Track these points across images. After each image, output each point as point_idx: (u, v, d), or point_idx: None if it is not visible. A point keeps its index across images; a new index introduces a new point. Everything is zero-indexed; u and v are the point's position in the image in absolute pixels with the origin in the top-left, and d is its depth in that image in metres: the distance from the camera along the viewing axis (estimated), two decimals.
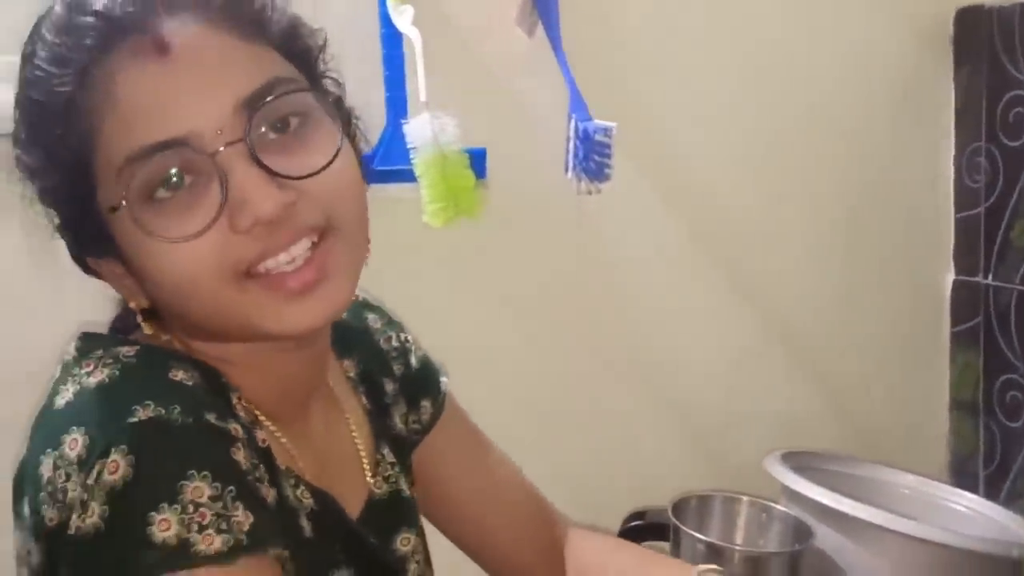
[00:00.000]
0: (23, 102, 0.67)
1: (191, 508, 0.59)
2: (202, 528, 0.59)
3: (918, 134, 1.51)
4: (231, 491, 0.61)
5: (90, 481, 0.59)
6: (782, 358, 1.48)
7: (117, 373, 0.64)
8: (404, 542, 0.82)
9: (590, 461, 1.31)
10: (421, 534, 0.85)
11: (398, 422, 0.88)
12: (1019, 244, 1.40)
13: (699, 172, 1.42)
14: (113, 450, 0.59)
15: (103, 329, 0.75)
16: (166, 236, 0.63)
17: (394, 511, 0.82)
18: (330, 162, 0.65)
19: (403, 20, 1.22)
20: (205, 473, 0.60)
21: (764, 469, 1.23)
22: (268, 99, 0.64)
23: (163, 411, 0.61)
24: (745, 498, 1.17)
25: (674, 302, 1.42)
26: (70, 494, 0.60)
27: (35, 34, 0.67)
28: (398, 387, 0.89)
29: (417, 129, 1.23)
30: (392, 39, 1.24)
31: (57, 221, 0.70)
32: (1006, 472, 1.45)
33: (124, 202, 0.63)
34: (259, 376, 0.71)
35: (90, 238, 0.68)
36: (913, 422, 1.54)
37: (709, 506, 1.17)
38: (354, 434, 0.82)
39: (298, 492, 0.71)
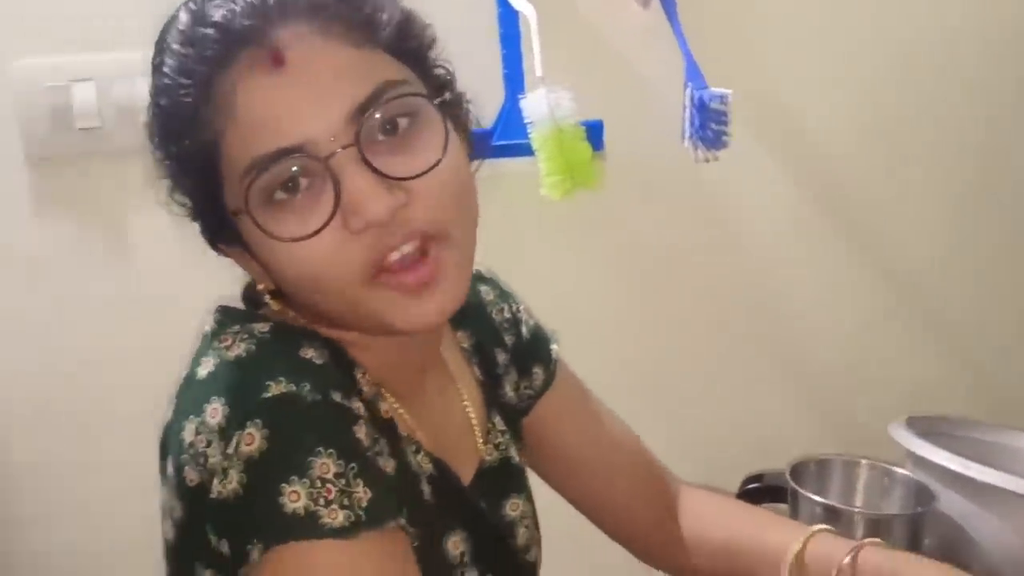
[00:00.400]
0: (154, 107, 0.71)
1: (318, 483, 0.63)
2: (328, 503, 0.63)
3: None
4: (353, 468, 0.65)
5: (230, 450, 0.64)
6: (911, 324, 1.46)
7: (253, 348, 0.69)
8: (513, 507, 0.86)
9: (711, 424, 1.32)
10: (530, 499, 0.89)
11: (509, 391, 0.92)
12: None
13: (820, 136, 1.41)
14: (249, 423, 0.64)
15: (236, 300, 0.81)
16: (283, 237, 0.67)
17: (504, 477, 0.86)
18: (438, 162, 0.68)
19: None
20: (331, 450, 0.64)
21: (889, 435, 1.22)
22: (377, 105, 0.67)
23: (294, 388, 0.65)
24: (864, 461, 1.17)
25: (798, 268, 1.42)
26: (211, 460, 0.65)
27: (161, 43, 0.71)
28: (509, 357, 0.92)
29: (534, 104, 1.26)
30: (508, 17, 1.27)
31: (191, 207, 0.74)
32: None
33: (246, 206, 0.67)
34: (379, 354, 0.76)
35: (219, 229, 0.73)
36: None
37: (828, 469, 1.16)
38: (466, 404, 0.86)
39: (418, 459, 0.76)
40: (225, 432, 0.65)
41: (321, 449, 0.64)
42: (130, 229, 1.24)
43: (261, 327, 0.71)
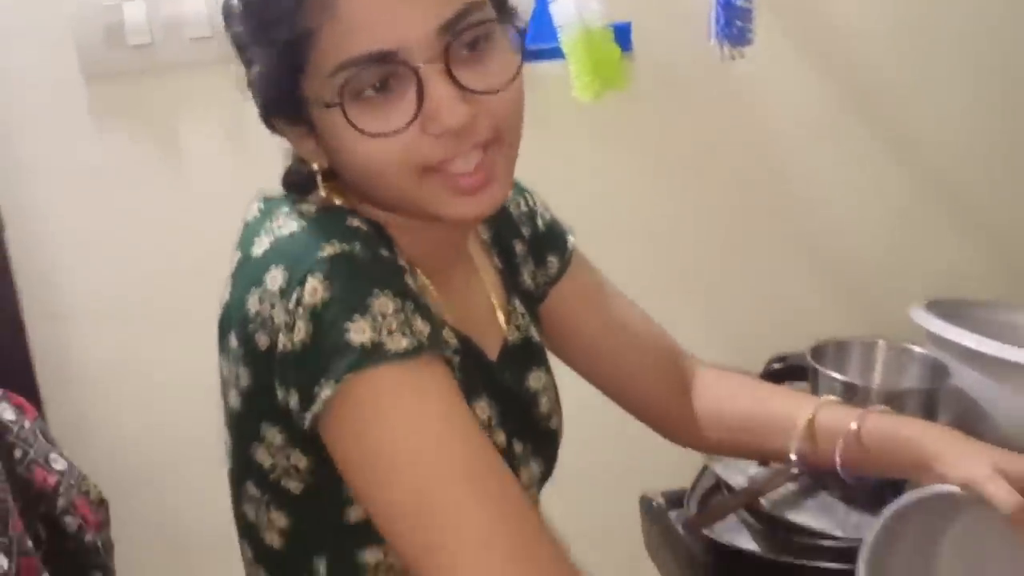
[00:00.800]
0: None
1: (380, 318, 0.70)
2: (390, 333, 0.71)
3: None
4: (410, 305, 0.72)
5: (291, 305, 0.71)
6: (939, 212, 1.51)
7: (305, 223, 0.76)
8: (536, 380, 0.93)
9: (739, 309, 1.38)
10: (550, 373, 0.96)
11: (527, 278, 0.99)
12: None
13: (846, 30, 1.44)
14: (309, 277, 0.71)
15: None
16: (370, 132, 0.73)
17: (526, 353, 0.93)
18: (511, 80, 0.76)
19: None
20: (387, 291, 0.72)
21: (910, 318, 1.28)
22: (463, 23, 0.73)
23: (347, 247, 0.73)
24: (882, 342, 1.22)
25: (823, 159, 1.47)
26: (276, 320, 0.72)
27: None
28: (527, 248, 0.99)
29: (563, 8, 1.31)
30: None
31: (256, 83, 0.79)
32: None
33: (341, 99, 0.73)
34: (417, 237, 0.82)
35: (287, 109, 0.78)
36: None
37: (847, 350, 1.22)
38: (488, 290, 0.93)
39: (444, 332, 0.82)
40: (286, 292, 0.71)
41: (378, 290, 0.71)
42: (180, 139, 1.32)
43: (308, 208, 0.78)
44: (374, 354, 0.70)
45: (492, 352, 0.90)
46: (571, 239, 1.03)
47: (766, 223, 1.46)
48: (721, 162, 1.45)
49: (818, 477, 1.20)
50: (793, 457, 0.98)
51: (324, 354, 0.70)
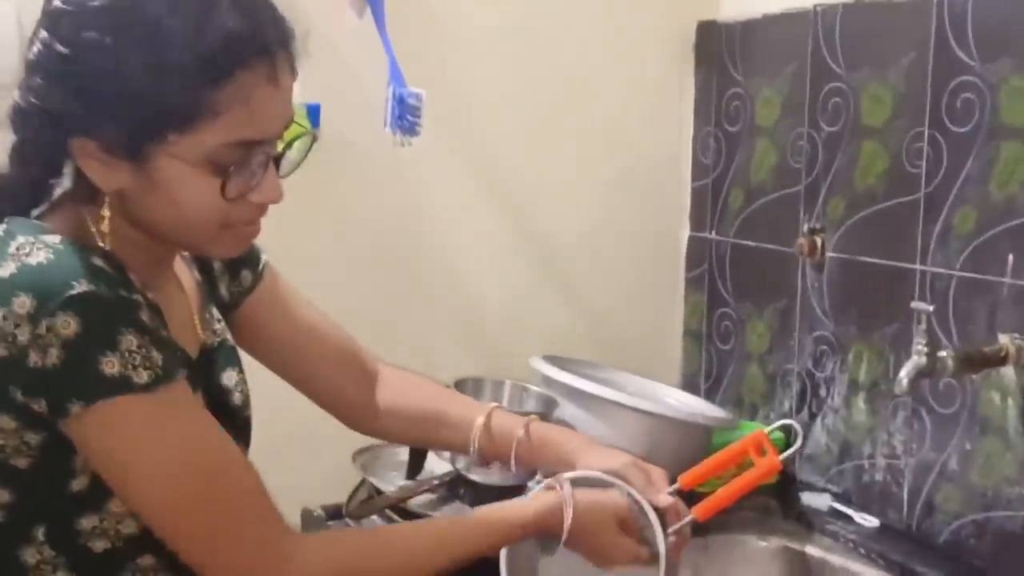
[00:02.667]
0: (160, 40, 0.86)
1: (127, 354, 0.87)
2: (135, 367, 0.87)
3: (667, 118, 1.89)
4: (147, 339, 0.88)
5: (40, 331, 0.85)
6: (553, 288, 1.84)
7: (52, 256, 0.88)
8: (229, 378, 1.09)
9: (396, 354, 1.62)
10: (242, 371, 1.12)
11: (223, 290, 1.16)
12: (734, 207, 1.81)
13: (493, 135, 1.75)
14: (61, 313, 0.85)
15: None
16: (228, 196, 0.91)
17: (220, 355, 1.10)
18: (289, 172, 0.99)
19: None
20: (132, 329, 0.87)
21: (530, 365, 1.60)
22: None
23: (94, 287, 0.86)
24: (508, 381, 1.53)
25: (468, 235, 1.76)
26: (20, 337, 0.85)
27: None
28: (223, 264, 1.16)
29: None
30: None
31: (112, 104, 0.88)
32: (720, 383, 1.87)
33: (238, 162, 0.90)
34: (141, 256, 0.97)
35: (124, 143, 0.89)
36: (655, 345, 1.94)
37: (482, 386, 1.52)
38: (188, 299, 1.08)
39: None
40: (34, 318, 0.85)
41: (124, 328, 0.87)
42: None
43: (52, 239, 0.90)
44: (122, 385, 0.86)
45: (192, 352, 1.05)
46: (264, 256, 1.21)
47: (418, 282, 1.72)
48: (388, 232, 1.70)
49: (453, 487, 1.47)
50: (473, 449, 1.23)
51: (77, 379, 0.86)
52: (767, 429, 1.24)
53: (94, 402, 0.86)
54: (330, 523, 1.47)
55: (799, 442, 1.25)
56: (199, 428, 0.94)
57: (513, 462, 1.24)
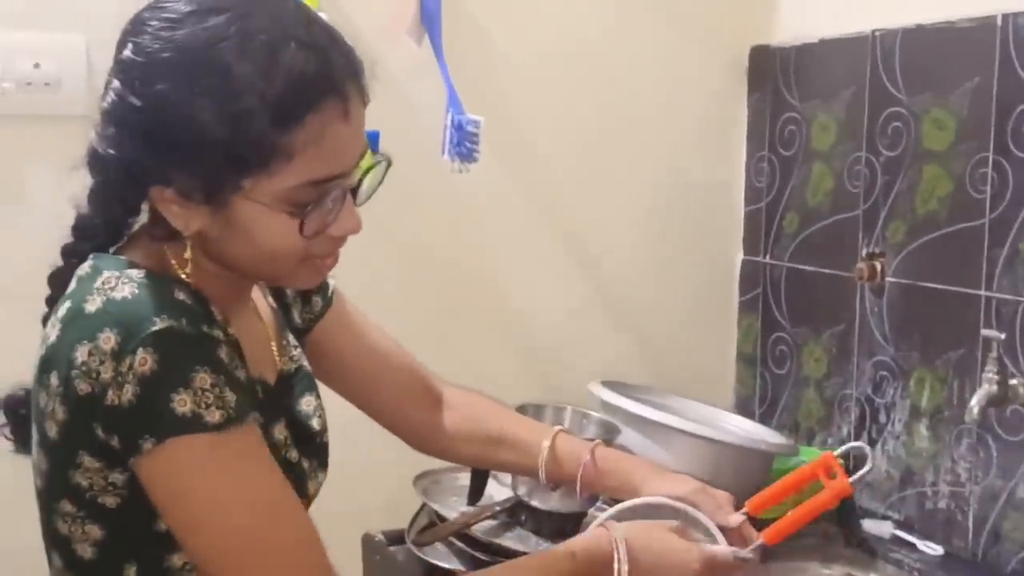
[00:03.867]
0: (233, 89, 0.86)
1: (200, 392, 0.86)
2: (207, 406, 0.86)
3: (719, 143, 1.90)
4: (222, 379, 0.87)
5: (122, 368, 0.84)
6: (607, 313, 1.85)
7: (136, 291, 0.88)
8: (307, 403, 1.10)
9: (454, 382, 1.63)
10: (319, 396, 1.12)
11: (296, 316, 1.17)
12: (788, 231, 1.81)
13: (547, 161, 1.77)
14: (141, 349, 0.85)
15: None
16: (307, 234, 0.91)
17: (298, 380, 1.10)
18: (367, 198, 1.00)
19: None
20: (206, 367, 0.86)
21: (588, 391, 1.60)
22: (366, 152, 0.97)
23: (174, 323, 0.86)
24: (569, 407, 1.52)
25: (523, 262, 1.77)
26: (103, 375, 0.85)
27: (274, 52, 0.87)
28: (295, 291, 1.18)
29: None
30: None
31: (192, 153, 0.88)
32: (775, 407, 1.86)
33: (302, 207, 0.90)
34: (228, 288, 0.99)
35: (203, 191, 0.90)
36: (709, 369, 1.93)
37: (543, 412, 1.51)
38: (265, 326, 1.09)
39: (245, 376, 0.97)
40: (117, 355, 0.85)
41: (199, 367, 0.86)
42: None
43: (137, 273, 0.90)
44: (194, 423, 0.86)
45: (270, 379, 1.05)
46: (332, 282, 1.22)
47: (472, 307, 1.73)
48: (442, 256, 1.71)
49: (513, 514, 1.47)
50: (542, 474, 1.24)
51: (150, 416, 0.86)
52: (836, 452, 1.24)
53: (165, 440, 0.86)
54: (391, 548, 1.47)
55: (870, 464, 1.24)
56: (265, 474, 0.92)
57: (579, 486, 1.24)
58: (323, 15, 1.49)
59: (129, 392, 0.85)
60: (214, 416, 0.87)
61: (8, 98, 1.45)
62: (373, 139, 1.62)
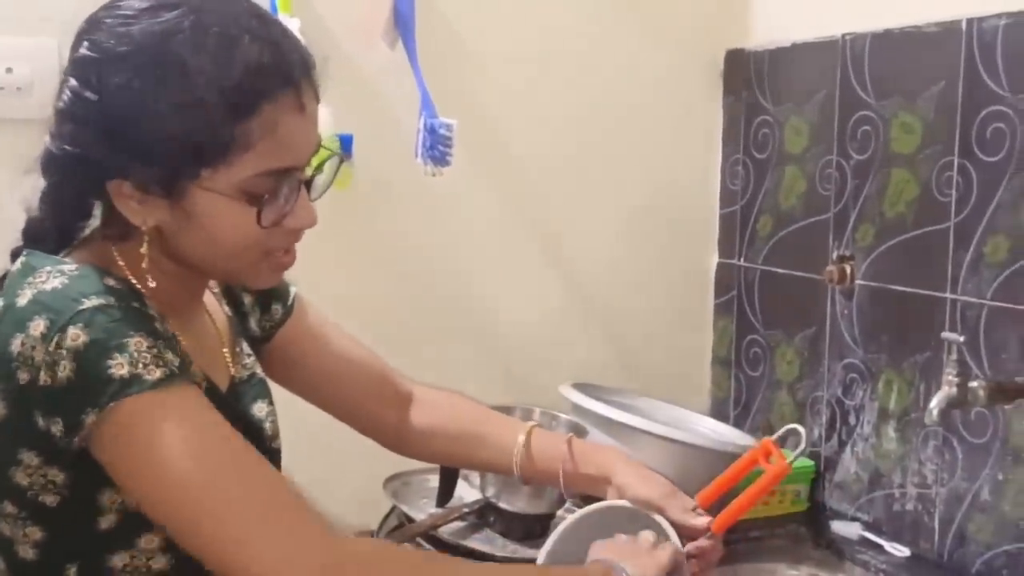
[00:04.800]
0: (189, 82, 0.88)
1: (136, 354, 0.86)
2: (145, 365, 0.86)
3: (694, 146, 1.90)
4: (160, 343, 0.88)
5: (51, 347, 0.85)
6: (582, 316, 1.85)
7: (67, 280, 0.89)
8: (259, 409, 1.10)
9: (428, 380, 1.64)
10: (271, 403, 1.13)
11: (254, 325, 1.18)
12: (762, 234, 1.82)
13: (522, 164, 1.77)
14: (70, 327, 0.85)
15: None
16: (264, 225, 0.92)
17: (251, 387, 1.11)
18: (321, 194, 1.01)
19: (291, 29, 1.54)
20: (141, 332, 0.87)
21: (560, 393, 1.61)
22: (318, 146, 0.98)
23: (103, 301, 0.87)
24: (538, 409, 1.53)
25: (497, 266, 1.77)
26: (36, 359, 0.85)
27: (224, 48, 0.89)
28: (253, 299, 1.18)
29: None
30: None
31: (149, 148, 0.89)
32: (749, 410, 1.86)
33: (275, 191, 0.91)
34: (180, 288, 1.00)
35: (161, 183, 0.91)
36: (685, 372, 1.94)
37: (511, 414, 1.51)
38: (219, 332, 1.09)
39: (193, 369, 0.97)
40: (47, 337, 0.85)
41: (132, 331, 0.87)
42: None
43: (69, 266, 0.91)
44: (133, 384, 0.85)
45: (223, 384, 1.06)
46: (294, 289, 1.22)
47: (446, 310, 1.74)
48: (417, 260, 1.72)
49: (482, 515, 1.48)
50: (517, 470, 1.25)
51: (88, 388, 0.85)
52: (772, 437, 1.27)
53: (106, 406, 0.85)
54: None
55: (803, 443, 1.26)
56: (220, 428, 0.91)
57: (561, 480, 1.25)
58: (296, 20, 1.54)
59: (66, 369, 0.85)
60: (153, 374, 0.86)
61: None
62: (347, 142, 1.64)
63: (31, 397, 0.87)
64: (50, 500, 0.92)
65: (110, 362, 0.85)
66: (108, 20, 0.91)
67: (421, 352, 1.67)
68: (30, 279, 0.90)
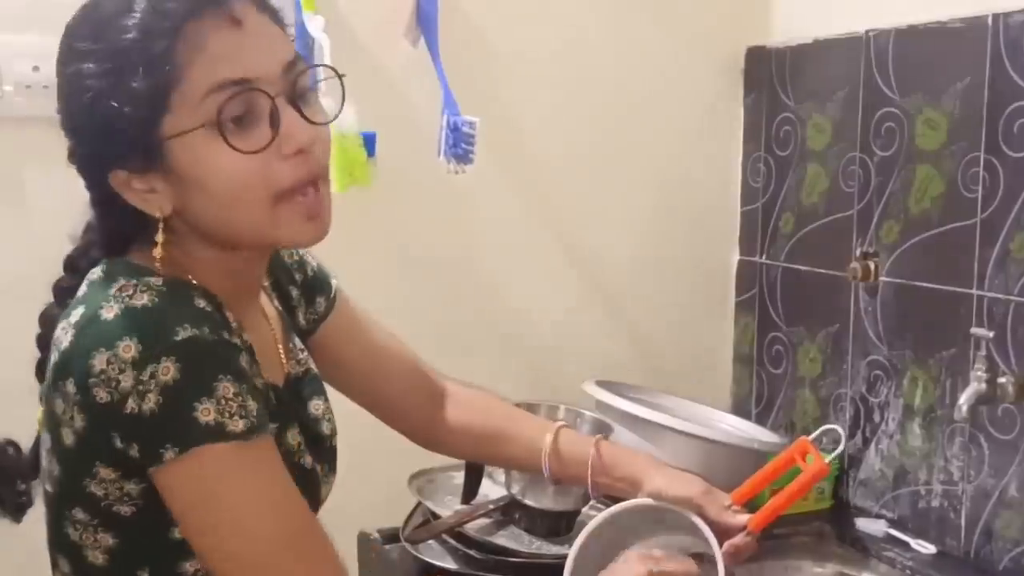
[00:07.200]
0: (109, 44, 0.86)
1: (223, 401, 0.85)
2: (231, 415, 0.85)
3: (715, 144, 1.90)
4: (244, 388, 0.87)
5: (143, 377, 0.83)
6: (603, 313, 1.85)
7: (156, 299, 0.87)
8: (316, 407, 1.10)
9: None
10: (327, 400, 1.13)
11: (301, 318, 1.17)
12: (785, 231, 1.81)
13: (543, 161, 1.77)
14: (164, 358, 0.84)
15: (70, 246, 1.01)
16: (241, 149, 0.86)
17: (306, 384, 1.10)
18: (335, 117, 0.95)
19: (315, 27, 1.55)
20: (229, 376, 0.86)
21: (582, 390, 1.61)
22: (300, 67, 0.91)
23: (197, 332, 0.85)
24: (562, 406, 1.53)
25: (520, 263, 1.77)
26: (123, 383, 0.84)
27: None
28: (300, 292, 1.17)
29: None
30: (304, 42, 1.56)
31: (104, 137, 0.88)
32: (772, 407, 1.86)
33: (218, 117, 0.86)
34: (235, 286, 0.97)
35: (141, 153, 0.88)
36: (706, 369, 1.94)
37: (536, 411, 1.51)
38: (273, 330, 1.08)
39: (261, 383, 0.96)
40: (139, 364, 0.84)
41: (222, 376, 0.86)
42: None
43: (155, 280, 0.89)
44: (218, 432, 0.85)
45: (279, 383, 1.04)
46: (335, 282, 1.22)
47: (468, 307, 1.74)
48: (439, 256, 1.72)
49: (507, 512, 1.48)
50: (546, 469, 1.24)
51: (173, 426, 0.85)
52: (810, 437, 1.25)
53: (189, 449, 0.85)
54: (386, 546, 1.48)
55: (843, 444, 1.25)
56: (285, 484, 0.92)
57: (589, 481, 1.24)
58: (320, 18, 1.55)
59: (151, 401, 0.84)
60: (237, 425, 0.86)
61: (7, 100, 1.47)
62: (370, 140, 1.64)
63: (113, 420, 0.86)
64: (125, 510, 0.91)
65: (197, 405, 0.85)
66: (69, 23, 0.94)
67: (440, 347, 1.66)
68: (114, 291, 0.89)
